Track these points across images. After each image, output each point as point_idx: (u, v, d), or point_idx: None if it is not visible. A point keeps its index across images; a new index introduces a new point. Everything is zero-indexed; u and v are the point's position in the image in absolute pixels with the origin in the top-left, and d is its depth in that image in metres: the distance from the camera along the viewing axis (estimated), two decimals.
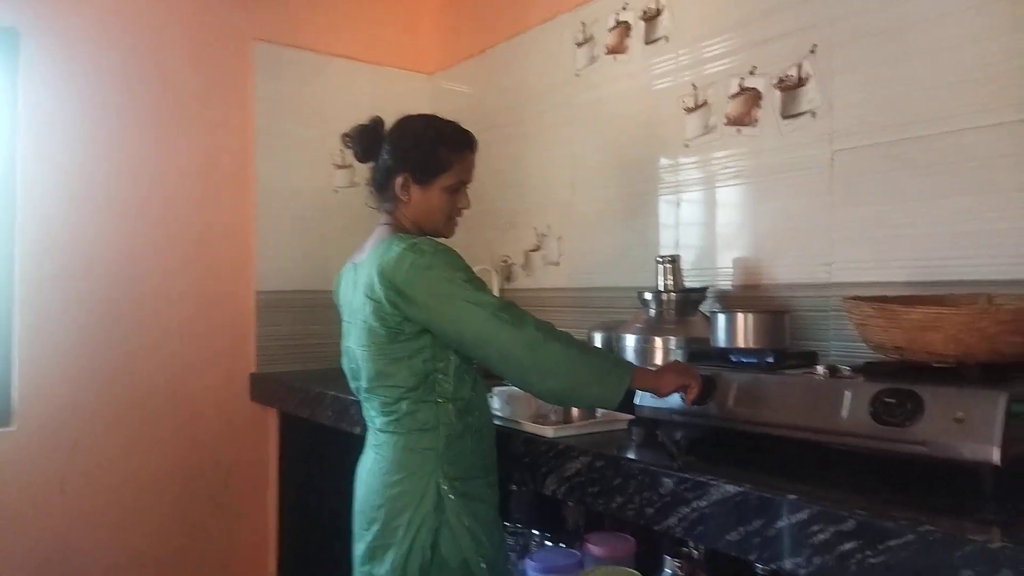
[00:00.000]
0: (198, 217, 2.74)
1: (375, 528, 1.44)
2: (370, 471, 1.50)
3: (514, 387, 1.62)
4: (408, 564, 1.39)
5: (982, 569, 0.84)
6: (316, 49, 2.97)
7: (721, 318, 1.64)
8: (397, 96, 3.16)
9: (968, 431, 1.06)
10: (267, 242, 2.85)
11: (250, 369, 2.82)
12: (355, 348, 1.50)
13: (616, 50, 2.41)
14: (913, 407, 1.13)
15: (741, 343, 1.60)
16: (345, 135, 1.57)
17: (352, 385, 1.60)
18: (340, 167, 3.03)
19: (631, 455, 1.37)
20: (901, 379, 1.20)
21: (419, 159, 1.50)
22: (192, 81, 2.72)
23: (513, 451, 1.57)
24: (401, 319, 1.39)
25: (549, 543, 1.89)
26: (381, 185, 1.55)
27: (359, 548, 1.50)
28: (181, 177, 2.71)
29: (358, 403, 2.08)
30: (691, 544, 1.78)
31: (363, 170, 2.95)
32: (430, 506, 1.40)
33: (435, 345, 1.41)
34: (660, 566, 1.73)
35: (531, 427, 1.57)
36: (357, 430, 2.10)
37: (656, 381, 1.37)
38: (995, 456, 1.02)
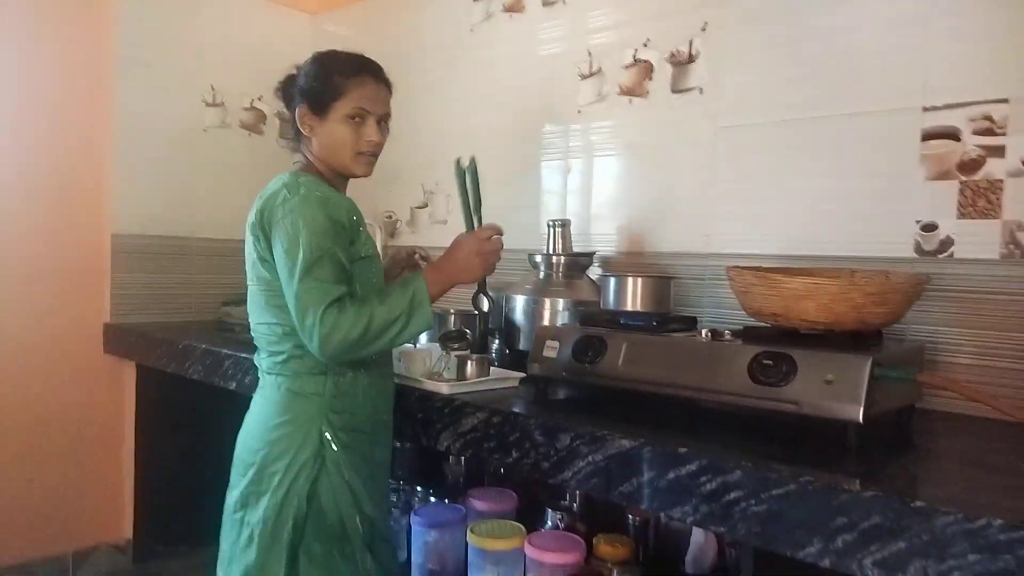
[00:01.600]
0: (44, 146, 2.47)
1: (251, 473, 1.38)
2: (254, 416, 1.44)
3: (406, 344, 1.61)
4: (282, 511, 1.34)
5: (855, 516, 0.94)
6: None
7: (611, 281, 1.70)
8: (275, 35, 2.98)
9: (836, 392, 1.17)
10: (125, 181, 2.62)
11: (104, 319, 2.60)
12: (248, 286, 1.45)
13: (513, 8, 2.39)
14: (788, 369, 1.23)
15: (629, 306, 1.67)
16: (278, 84, 1.52)
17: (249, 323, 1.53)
18: (211, 105, 2.83)
19: (527, 411, 1.40)
20: (777, 343, 1.29)
21: (314, 88, 1.43)
22: None
23: (406, 408, 1.56)
24: (267, 257, 1.37)
25: (433, 499, 1.91)
26: (290, 125, 1.50)
27: (231, 496, 1.43)
28: (24, 99, 2.43)
29: (233, 357, 2.00)
30: (568, 497, 1.86)
31: (236, 110, 2.89)
32: (310, 453, 1.35)
33: None
34: (542, 518, 1.80)
35: (427, 384, 1.56)
36: (232, 385, 2.00)
37: (456, 277, 1.43)
38: (859, 415, 1.14)
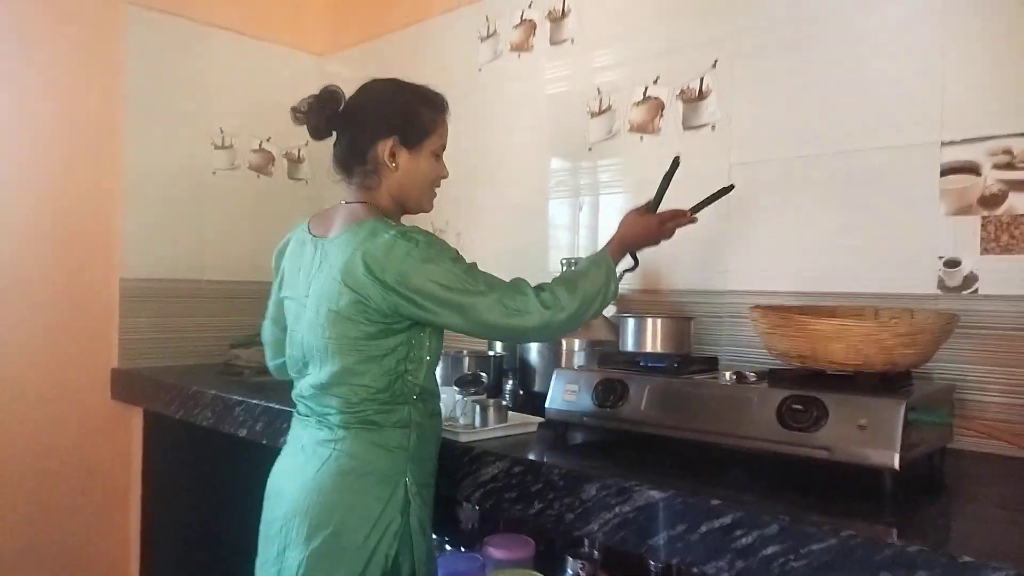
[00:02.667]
0: (55, 192, 2.47)
1: (323, 536, 1.26)
2: (317, 472, 1.30)
3: None
4: (367, 572, 1.26)
5: (900, 571, 0.90)
6: (195, 18, 2.75)
7: (630, 322, 1.67)
8: (282, 76, 3.00)
9: (870, 437, 1.14)
10: (135, 224, 2.61)
11: (112, 364, 2.58)
12: (310, 337, 1.33)
13: (521, 48, 2.40)
14: (819, 414, 1.20)
15: (648, 347, 1.64)
16: (295, 109, 1.39)
17: (292, 374, 1.43)
18: (220, 148, 2.83)
19: (548, 459, 1.36)
20: (805, 386, 1.26)
21: (405, 121, 1.37)
22: (53, 40, 2.45)
23: None
24: (387, 315, 1.26)
25: (448, 547, 1.86)
26: (357, 157, 1.38)
27: (293, 556, 1.29)
28: (36, 145, 2.43)
29: (244, 404, 1.97)
30: (588, 544, 1.81)
31: (245, 152, 2.88)
32: (397, 509, 1.29)
33: (410, 344, 1.32)
34: (562, 566, 1.75)
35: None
36: (243, 432, 1.97)
37: (636, 241, 1.50)
38: (895, 461, 1.10)
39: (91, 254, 2.55)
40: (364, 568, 1.26)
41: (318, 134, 1.40)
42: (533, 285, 1.32)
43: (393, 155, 1.37)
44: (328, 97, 1.39)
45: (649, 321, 1.65)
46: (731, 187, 1.64)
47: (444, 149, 1.45)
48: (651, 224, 1.53)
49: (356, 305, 1.26)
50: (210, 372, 2.46)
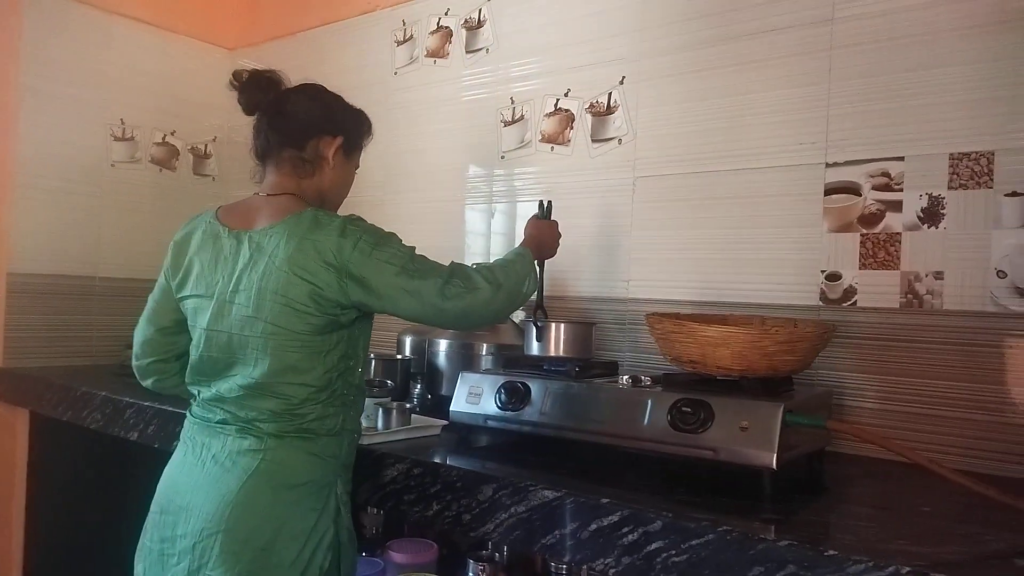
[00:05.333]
0: None
1: (252, 550, 1.19)
2: (242, 485, 1.22)
3: None
4: None
5: (771, 565, 0.96)
6: (99, 5, 2.64)
7: (534, 327, 1.70)
8: (190, 69, 2.91)
9: (751, 438, 1.20)
10: (24, 216, 2.47)
11: None
12: (242, 334, 1.25)
13: (436, 54, 2.41)
14: (706, 416, 1.26)
15: (552, 351, 1.68)
16: (236, 75, 1.36)
17: (196, 378, 1.34)
18: (120, 139, 2.72)
19: (449, 461, 1.37)
20: (695, 390, 1.32)
21: (352, 128, 1.42)
22: None
23: None
24: (337, 305, 1.24)
25: None
26: (293, 144, 1.34)
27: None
28: None
29: (135, 406, 1.89)
30: (490, 547, 1.83)
31: (146, 145, 2.78)
32: (330, 519, 1.26)
33: (350, 341, 1.30)
34: (464, 570, 1.76)
35: None
36: (133, 436, 1.89)
37: (544, 254, 1.64)
38: (773, 461, 1.17)
39: None
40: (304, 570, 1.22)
41: (246, 108, 1.37)
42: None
43: (336, 155, 1.38)
44: (270, 76, 1.38)
45: (552, 326, 1.68)
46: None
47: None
48: (554, 226, 1.67)
49: (308, 295, 1.22)
50: (103, 373, 2.36)
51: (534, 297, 1.67)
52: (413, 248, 1.31)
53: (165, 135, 2.84)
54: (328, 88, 1.44)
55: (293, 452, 1.25)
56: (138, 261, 2.65)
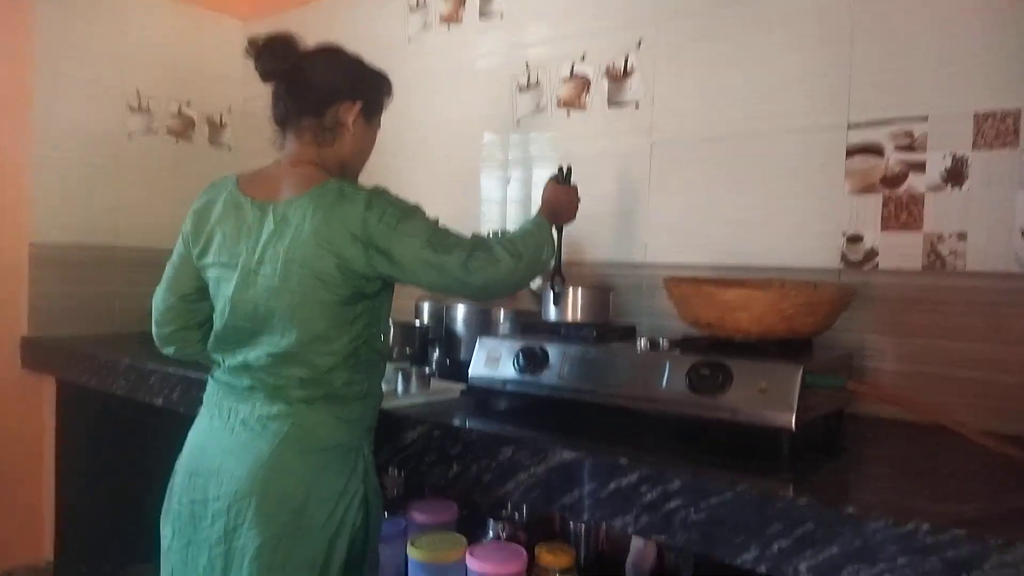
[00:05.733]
0: None
1: (286, 513, 1.22)
2: (273, 449, 1.24)
3: None
4: (334, 546, 1.25)
5: (790, 523, 0.96)
6: None
7: (552, 293, 1.70)
8: (205, 40, 2.91)
9: (770, 400, 1.20)
10: (46, 187, 2.51)
11: (21, 332, 2.47)
12: (269, 304, 1.26)
13: (450, 19, 2.38)
14: (724, 378, 1.26)
15: (569, 317, 1.68)
16: (251, 42, 1.33)
17: (222, 346, 1.33)
18: (136, 111, 2.73)
19: (468, 424, 1.39)
20: (713, 353, 1.32)
21: (370, 93, 1.40)
22: None
23: None
24: (363, 277, 1.25)
25: None
26: (313, 110, 1.33)
27: (248, 538, 1.23)
28: None
29: (158, 372, 1.92)
30: (510, 507, 1.86)
31: (163, 115, 2.78)
32: (360, 480, 1.29)
33: (372, 309, 1.32)
34: (484, 529, 1.79)
35: None
36: (158, 401, 1.93)
37: (561, 218, 1.60)
38: (792, 422, 1.17)
39: None
40: (330, 543, 1.24)
41: (264, 75, 1.35)
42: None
43: (356, 120, 1.36)
44: (286, 39, 1.34)
45: (570, 290, 1.68)
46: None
47: None
48: (571, 191, 1.63)
49: (336, 267, 1.23)
50: (126, 341, 2.39)
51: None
52: (437, 220, 1.32)
53: (180, 106, 2.85)
54: (346, 49, 1.41)
55: (321, 417, 1.27)
56: (157, 230, 2.65)
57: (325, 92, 1.34)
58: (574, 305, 1.68)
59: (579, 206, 1.65)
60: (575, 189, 1.65)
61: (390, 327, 1.97)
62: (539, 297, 1.98)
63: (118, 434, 2.39)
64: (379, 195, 1.28)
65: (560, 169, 1.69)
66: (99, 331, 2.59)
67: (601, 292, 1.71)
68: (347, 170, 1.40)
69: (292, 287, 1.24)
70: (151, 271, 2.74)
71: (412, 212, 1.29)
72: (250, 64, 1.35)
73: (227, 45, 2.94)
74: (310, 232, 1.23)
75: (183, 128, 2.87)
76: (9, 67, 2.43)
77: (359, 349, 1.30)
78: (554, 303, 1.70)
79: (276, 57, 1.33)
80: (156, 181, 2.75)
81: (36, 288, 2.49)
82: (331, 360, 1.27)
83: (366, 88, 1.39)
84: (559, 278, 1.72)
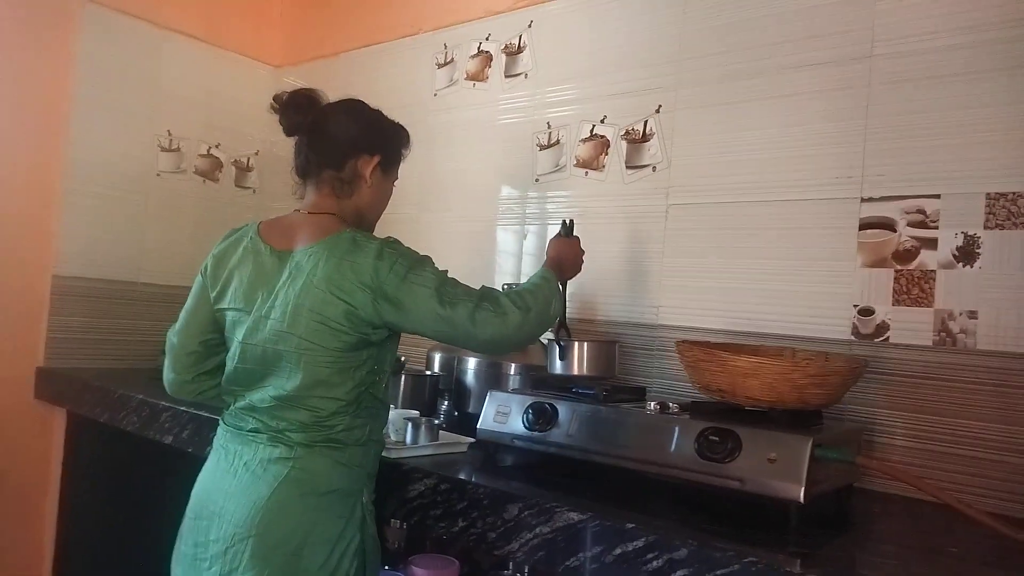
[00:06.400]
0: None
1: (282, 556, 1.23)
2: (273, 491, 1.25)
3: None
4: None
5: None
6: (153, 20, 2.74)
7: (556, 346, 1.71)
8: (237, 85, 3.00)
9: (779, 470, 1.20)
10: (73, 221, 2.56)
11: (37, 363, 2.50)
12: (276, 348, 1.29)
13: (476, 77, 2.46)
14: (733, 445, 1.26)
15: (575, 370, 1.68)
16: (276, 98, 1.40)
17: (232, 387, 1.37)
18: (166, 150, 2.80)
19: (476, 479, 1.39)
20: (723, 419, 1.33)
21: (388, 146, 1.45)
22: (3, 26, 2.40)
23: None
24: (370, 324, 1.28)
25: None
26: (332, 163, 1.38)
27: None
28: None
29: (171, 410, 1.94)
30: (512, 567, 1.84)
31: (192, 156, 2.86)
32: (356, 527, 1.30)
33: (377, 357, 1.34)
34: None
35: None
36: (168, 439, 1.94)
37: (567, 273, 1.64)
38: (801, 494, 1.17)
39: (23, 249, 2.48)
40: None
41: (287, 129, 1.41)
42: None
43: (373, 172, 1.41)
44: (309, 95, 1.41)
45: (576, 345, 1.69)
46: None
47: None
48: (575, 244, 1.68)
49: (344, 314, 1.26)
50: (141, 376, 2.41)
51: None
52: (446, 272, 1.35)
53: (210, 147, 2.92)
54: (367, 104, 1.47)
55: (322, 461, 1.28)
56: (179, 268, 2.72)
57: (345, 145, 1.40)
58: (580, 358, 1.69)
59: (583, 259, 1.69)
60: (578, 241, 1.69)
61: (400, 375, 1.99)
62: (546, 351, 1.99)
63: (125, 470, 2.39)
64: (391, 245, 1.32)
65: (564, 223, 1.73)
66: (114, 365, 2.61)
67: (607, 346, 1.73)
68: (363, 221, 1.44)
69: (300, 331, 1.27)
70: (170, 308, 2.78)
71: (422, 263, 1.32)
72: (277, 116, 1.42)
73: (258, 90, 3.03)
74: (322, 278, 1.27)
75: (211, 169, 2.94)
76: (49, 98, 2.51)
77: (361, 396, 1.32)
78: (560, 357, 1.71)
79: (300, 112, 1.39)
80: (181, 220, 2.81)
81: (55, 320, 2.52)
82: (333, 405, 1.29)
83: (385, 142, 1.45)
84: (564, 331, 1.74)
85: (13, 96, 2.45)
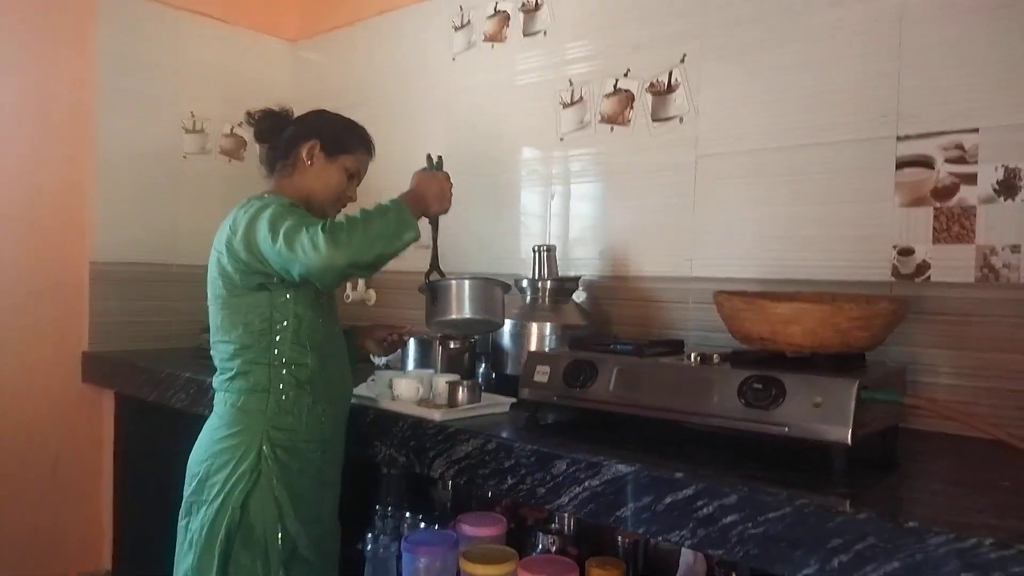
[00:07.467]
0: (23, 173, 2.45)
1: (194, 483, 1.47)
2: (204, 431, 1.52)
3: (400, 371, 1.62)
4: (216, 520, 1.41)
5: (850, 537, 0.96)
6: (169, 2, 2.74)
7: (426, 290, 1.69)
8: (254, 61, 2.99)
9: (825, 414, 1.20)
10: (106, 208, 2.60)
11: (82, 347, 2.57)
12: (208, 307, 1.53)
13: (494, 38, 2.43)
14: (777, 392, 1.26)
15: (454, 313, 1.64)
16: (249, 113, 1.65)
17: None
18: (190, 132, 2.82)
19: (521, 437, 1.41)
20: (766, 367, 1.32)
21: (330, 132, 1.60)
22: (21, 16, 2.42)
23: (398, 435, 1.56)
24: (239, 268, 1.42)
25: (422, 525, 1.90)
26: (282, 153, 1.59)
27: (182, 503, 1.51)
28: (3, 126, 2.40)
29: None
30: (558, 521, 1.87)
31: (216, 136, 2.88)
32: (247, 467, 1.42)
33: (272, 305, 1.45)
34: (532, 542, 1.80)
35: (418, 411, 1.57)
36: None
37: (429, 208, 1.58)
38: (848, 437, 1.17)
39: (61, 238, 2.53)
40: (215, 515, 1.42)
41: (257, 137, 1.66)
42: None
43: (311, 155, 1.57)
44: (279, 112, 1.64)
45: (453, 284, 1.65)
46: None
47: (357, 178, 1.65)
48: (441, 179, 1.61)
49: (219, 262, 1.46)
50: (183, 356, 2.47)
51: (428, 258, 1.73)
52: (298, 212, 1.42)
53: (232, 126, 2.94)
54: (328, 112, 1.66)
55: (223, 406, 1.49)
56: (210, 249, 2.75)
57: (290, 141, 1.59)
58: (458, 300, 1.63)
59: (451, 194, 1.62)
60: (446, 176, 1.62)
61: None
62: (587, 312, 2.00)
63: (175, 446, 2.45)
64: (272, 196, 1.48)
65: (428, 156, 1.69)
66: (156, 346, 2.67)
67: (485, 286, 1.65)
68: (309, 204, 1.56)
69: (209, 286, 1.52)
70: (203, 288, 2.84)
71: (275, 208, 1.40)
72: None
73: (275, 67, 3.03)
74: (219, 235, 1.49)
75: (235, 148, 2.95)
76: (72, 88, 2.54)
77: (258, 343, 1.46)
78: (432, 300, 1.65)
79: (261, 121, 1.64)
80: (210, 200, 2.83)
81: (96, 305, 2.58)
82: (229, 349, 1.48)
83: (325, 128, 1.60)
84: (436, 272, 1.72)
85: (39, 88, 2.47)
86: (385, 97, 2.74)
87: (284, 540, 1.43)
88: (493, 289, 1.67)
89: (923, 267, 1.59)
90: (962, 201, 1.55)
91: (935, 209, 1.58)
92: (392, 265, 1.47)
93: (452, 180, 1.63)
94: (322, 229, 1.32)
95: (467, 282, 1.64)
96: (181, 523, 1.51)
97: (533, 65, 2.32)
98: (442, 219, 1.70)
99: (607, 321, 2.05)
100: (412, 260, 1.71)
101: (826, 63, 1.73)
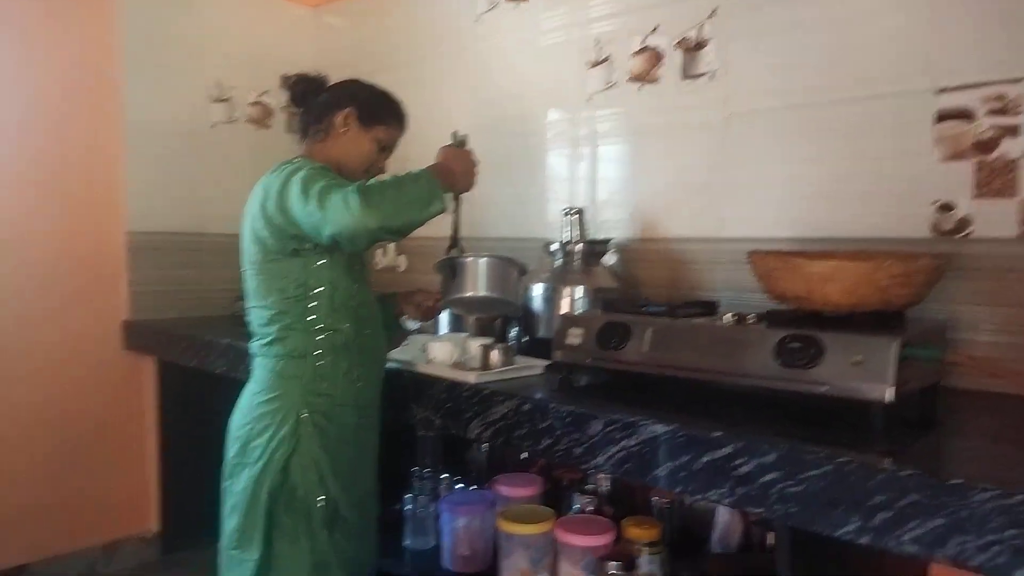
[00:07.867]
0: (55, 146, 2.48)
1: (236, 447, 1.51)
2: (245, 395, 1.55)
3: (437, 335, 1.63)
4: (259, 482, 1.45)
5: (892, 495, 0.97)
6: None
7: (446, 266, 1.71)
8: (277, 28, 2.98)
9: (865, 373, 1.19)
10: (137, 178, 2.64)
11: (122, 316, 2.62)
12: (243, 272, 1.54)
13: None
14: (815, 351, 1.25)
15: (469, 290, 1.66)
16: (284, 76, 1.71)
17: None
18: (217, 101, 2.83)
19: (556, 398, 1.42)
20: (802, 326, 1.31)
21: (367, 101, 1.60)
22: None
23: (434, 397, 1.59)
24: (273, 232, 1.43)
25: (460, 486, 1.94)
26: (316, 119, 1.59)
27: (225, 465, 1.55)
28: (33, 100, 2.43)
29: None
30: (592, 482, 1.89)
31: (242, 105, 2.88)
32: (288, 431, 1.45)
33: (307, 271, 1.46)
34: (568, 502, 1.83)
35: (453, 373, 1.58)
36: None
37: (455, 184, 1.54)
38: (889, 395, 1.16)
39: (96, 208, 2.58)
40: (257, 478, 1.45)
41: (295, 101, 1.65)
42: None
43: (346, 122, 1.57)
44: (316, 76, 1.64)
45: (469, 262, 1.67)
46: None
47: (389, 150, 1.64)
48: (467, 156, 1.59)
49: (255, 227, 1.45)
50: (219, 322, 2.51)
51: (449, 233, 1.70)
52: (330, 176, 1.42)
53: (258, 95, 2.94)
54: (363, 80, 1.64)
55: (263, 371, 1.51)
56: (240, 217, 2.77)
57: (326, 106, 1.59)
58: (473, 278, 1.65)
59: (476, 172, 1.60)
60: (471, 153, 1.60)
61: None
62: (617, 274, 2.00)
63: (217, 409, 2.51)
64: (306, 159, 1.49)
65: (454, 134, 1.64)
66: (193, 313, 2.72)
67: (503, 264, 1.66)
68: (342, 169, 1.56)
69: (243, 252, 1.52)
70: (236, 256, 2.86)
71: (308, 171, 1.40)
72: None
73: (298, 33, 3.01)
74: (255, 198, 1.47)
75: (262, 116, 2.96)
76: (99, 60, 2.56)
77: (294, 308, 1.47)
78: (451, 276, 1.66)
79: (298, 85, 1.64)
80: (239, 169, 2.84)
81: (134, 274, 2.63)
82: (266, 314, 1.49)
83: (362, 97, 1.60)
84: (456, 249, 1.69)
85: (67, 62, 2.49)
86: (409, 61, 2.72)
87: (326, 502, 1.46)
88: (509, 269, 1.68)
89: (964, 223, 1.56)
90: (1004, 154, 1.51)
91: (976, 163, 1.55)
92: (423, 231, 1.47)
93: (477, 157, 1.61)
94: (355, 191, 1.33)
95: (483, 260, 1.65)
96: (224, 484, 1.55)
97: (557, 24, 2.28)
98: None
99: (638, 283, 2.04)
100: (444, 226, 1.71)
101: (860, 14, 1.68)
